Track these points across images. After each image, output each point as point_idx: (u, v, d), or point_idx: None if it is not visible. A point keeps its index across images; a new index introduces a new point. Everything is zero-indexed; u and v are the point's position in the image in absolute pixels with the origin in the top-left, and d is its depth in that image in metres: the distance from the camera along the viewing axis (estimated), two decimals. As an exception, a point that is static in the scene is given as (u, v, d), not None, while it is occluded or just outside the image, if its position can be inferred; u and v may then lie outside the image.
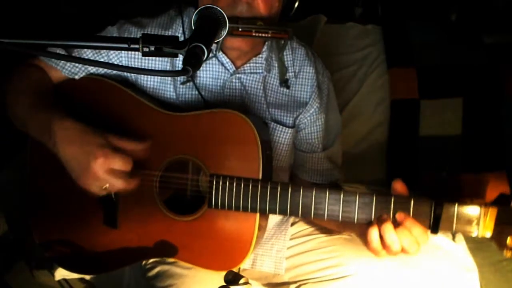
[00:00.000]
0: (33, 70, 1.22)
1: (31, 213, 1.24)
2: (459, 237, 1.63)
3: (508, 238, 0.92)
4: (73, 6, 2.00)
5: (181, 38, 1.19)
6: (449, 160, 1.87)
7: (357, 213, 1.00)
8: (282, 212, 1.07)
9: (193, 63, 0.76)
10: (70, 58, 1.13)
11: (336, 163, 1.41)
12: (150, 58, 1.22)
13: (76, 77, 1.22)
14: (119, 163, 1.03)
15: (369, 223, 0.99)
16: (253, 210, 1.08)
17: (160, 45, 0.79)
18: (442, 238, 1.59)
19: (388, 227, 0.95)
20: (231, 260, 1.13)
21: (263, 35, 0.98)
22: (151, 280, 1.21)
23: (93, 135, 1.05)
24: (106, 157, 1.01)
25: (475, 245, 1.65)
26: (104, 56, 1.21)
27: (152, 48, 0.79)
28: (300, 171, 1.38)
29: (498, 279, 1.63)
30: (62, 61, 1.20)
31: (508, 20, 1.98)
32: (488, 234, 0.94)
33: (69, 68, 1.21)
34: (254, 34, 0.95)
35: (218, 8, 0.90)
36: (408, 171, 1.86)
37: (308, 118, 1.31)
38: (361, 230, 1.03)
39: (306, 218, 1.18)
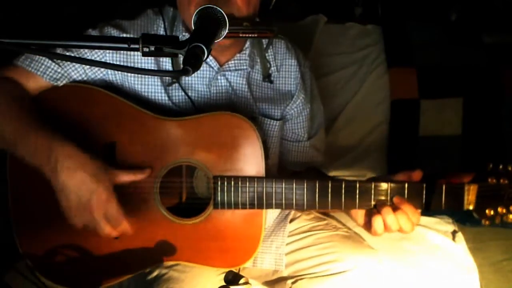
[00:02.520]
0: (7, 84, 1.15)
1: (17, 227, 1.18)
2: (459, 237, 1.63)
3: (487, 210, 1.08)
4: (73, 6, 1.99)
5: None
6: (449, 160, 1.87)
7: (358, 200, 1.10)
8: (288, 206, 1.13)
9: (193, 63, 0.76)
10: (68, 58, 1.10)
11: (319, 150, 1.45)
12: (137, 59, 1.20)
13: (59, 83, 1.18)
14: (115, 211, 1.06)
15: (370, 209, 1.10)
16: (260, 206, 1.13)
17: (160, 45, 0.79)
18: (442, 238, 1.59)
19: (388, 210, 1.06)
20: (241, 257, 1.16)
21: (250, 35, 1.00)
22: (150, 284, 1.21)
23: (98, 165, 1.05)
24: (108, 199, 1.04)
25: (475, 245, 1.65)
26: (88, 57, 1.18)
27: (152, 48, 0.79)
28: (284, 157, 1.41)
29: (498, 279, 1.63)
30: (43, 67, 1.16)
31: (508, 20, 1.98)
32: (471, 207, 1.09)
33: (51, 74, 1.17)
34: (241, 35, 0.97)
35: (218, 8, 0.89)
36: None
37: (295, 109, 1.34)
38: (364, 218, 1.13)
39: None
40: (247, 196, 1.12)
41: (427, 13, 2.13)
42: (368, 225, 1.11)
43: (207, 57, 0.80)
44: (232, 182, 1.12)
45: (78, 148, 1.05)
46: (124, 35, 1.19)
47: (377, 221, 1.06)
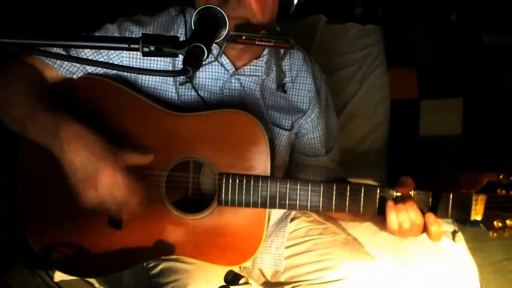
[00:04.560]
0: (27, 68, 1.19)
1: (27, 218, 1.21)
2: (459, 237, 1.63)
3: (494, 221, 1.06)
4: (74, 6, 2.00)
5: (183, 39, 1.18)
6: (449, 160, 1.87)
7: (362, 205, 1.11)
8: (292, 207, 1.14)
9: (193, 63, 0.77)
10: (73, 59, 1.11)
11: (337, 163, 1.43)
12: (152, 58, 1.21)
13: (74, 76, 1.20)
14: (125, 179, 1.03)
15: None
16: (263, 206, 1.13)
17: (160, 45, 0.79)
18: (442, 238, 1.59)
19: (400, 207, 1.06)
20: (242, 255, 1.16)
21: (266, 43, 1.01)
22: (155, 278, 1.21)
23: (105, 145, 1.04)
24: (114, 170, 1.02)
25: (475, 245, 1.66)
26: (104, 56, 1.19)
27: (152, 48, 0.79)
28: (304, 174, 1.39)
29: (498, 279, 1.63)
30: (59, 60, 1.17)
31: (508, 20, 1.98)
32: (479, 218, 1.07)
33: (67, 67, 1.19)
34: (257, 42, 0.99)
35: (218, 8, 0.90)
36: (408, 171, 1.86)
37: (310, 124, 1.32)
38: (378, 218, 1.13)
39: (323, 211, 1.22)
40: (251, 194, 1.12)
41: (427, 13, 2.14)
42: (383, 223, 1.10)
43: (207, 57, 0.80)
44: (237, 180, 1.12)
45: (86, 127, 1.04)
46: (144, 30, 1.20)
47: (391, 215, 1.06)
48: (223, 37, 0.91)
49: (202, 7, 0.90)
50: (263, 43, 1.00)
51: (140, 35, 0.79)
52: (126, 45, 0.79)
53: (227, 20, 0.90)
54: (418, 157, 1.88)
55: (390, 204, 1.07)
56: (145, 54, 0.80)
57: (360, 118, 1.93)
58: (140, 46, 0.79)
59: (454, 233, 1.66)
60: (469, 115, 1.88)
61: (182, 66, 0.77)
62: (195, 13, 0.91)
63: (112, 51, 1.19)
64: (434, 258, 1.51)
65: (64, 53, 1.13)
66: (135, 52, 1.18)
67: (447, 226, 1.68)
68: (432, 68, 1.93)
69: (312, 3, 2.13)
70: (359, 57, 1.98)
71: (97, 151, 1.03)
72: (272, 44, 1.01)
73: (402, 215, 1.06)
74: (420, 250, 1.53)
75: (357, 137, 1.92)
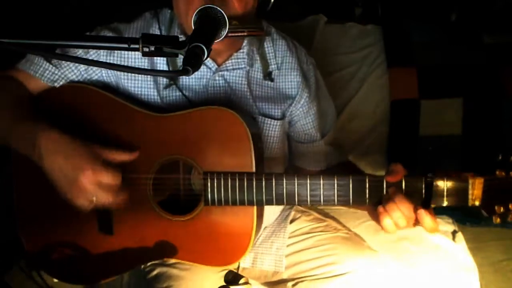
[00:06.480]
0: (8, 82, 1.19)
1: (21, 224, 1.21)
2: (459, 237, 1.64)
3: (496, 206, 0.96)
4: (75, 6, 2.00)
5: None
6: (449, 160, 1.87)
7: (352, 195, 1.05)
8: (279, 202, 1.09)
9: (193, 63, 0.76)
10: (67, 57, 1.10)
11: (334, 145, 1.41)
12: (131, 60, 1.20)
13: (56, 84, 1.20)
14: (107, 177, 1.02)
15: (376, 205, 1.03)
16: (250, 203, 1.10)
17: (160, 45, 0.79)
18: (442, 238, 1.59)
19: (391, 207, 1.00)
20: (232, 255, 1.14)
21: (239, 34, 0.98)
22: (151, 282, 1.21)
23: (81, 147, 1.03)
24: (94, 170, 1.01)
25: (475, 245, 1.66)
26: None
27: (152, 48, 0.79)
28: (304, 162, 1.38)
29: (498, 279, 1.64)
30: (41, 70, 1.18)
31: (508, 20, 1.98)
32: (477, 203, 0.98)
33: (48, 76, 1.19)
34: (230, 34, 0.95)
35: (218, 8, 0.90)
36: (408, 171, 1.86)
37: (301, 109, 1.31)
38: (371, 211, 1.08)
39: (313, 205, 1.20)
40: (237, 192, 1.09)
41: (427, 13, 2.13)
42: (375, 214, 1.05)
43: (207, 57, 0.80)
44: (222, 178, 1.10)
45: (61, 132, 1.04)
46: None
47: (385, 220, 1.00)
48: (223, 37, 0.91)
49: (202, 7, 0.91)
50: (236, 34, 0.97)
51: None
52: (126, 45, 0.79)
53: (227, 20, 0.90)
54: (418, 157, 1.88)
55: (380, 210, 1.01)
56: (145, 54, 0.80)
57: (360, 118, 1.93)
58: (140, 46, 0.79)
59: (454, 233, 1.66)
60: (469, 115, 1.88)
61: (181, 65, 0.77)
62: (195, 13, 0.91)
63: (90, 56, 1.18)
64: (434, 258, 1.51)
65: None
66: (112, 56, 1.19)
67: (447, 226, 1.68)
68: (432, 68, 1.93)
69: (312, 3, 2.13)
70: (359, 57, 1.98)
71: (71, 150, 1.03)
72: (246, 33, 0.99)
73: (396, 214, 0.99)
74: (420, 250, 1.53)
75: (357, 137, 1.92)
